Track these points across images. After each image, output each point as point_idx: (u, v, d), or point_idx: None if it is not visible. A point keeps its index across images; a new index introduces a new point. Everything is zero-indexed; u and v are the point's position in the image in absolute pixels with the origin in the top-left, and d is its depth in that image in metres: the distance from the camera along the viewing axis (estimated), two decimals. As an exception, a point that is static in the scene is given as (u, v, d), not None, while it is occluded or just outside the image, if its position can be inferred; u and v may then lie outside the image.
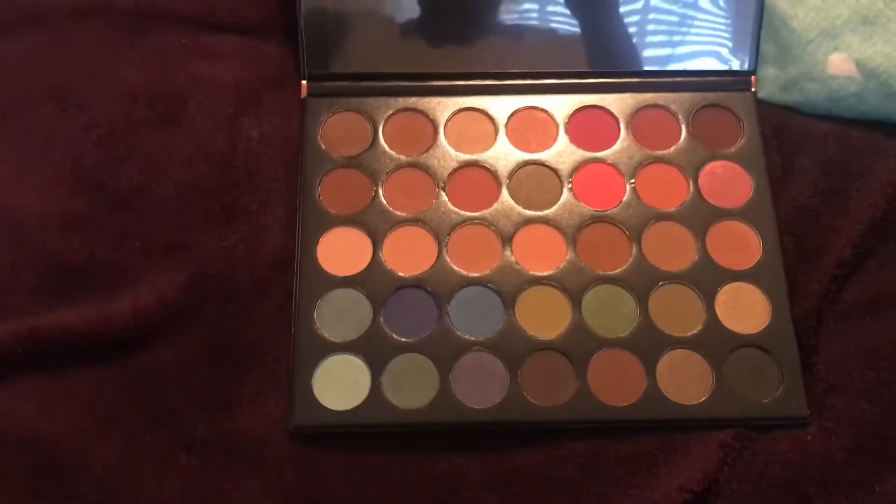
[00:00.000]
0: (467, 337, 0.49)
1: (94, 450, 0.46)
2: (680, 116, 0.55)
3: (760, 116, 0.55)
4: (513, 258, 0.51)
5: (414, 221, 0.52)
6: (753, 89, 0.55)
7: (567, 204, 0.53)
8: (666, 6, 0.54)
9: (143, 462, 0.46)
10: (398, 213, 0.52)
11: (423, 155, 0.54)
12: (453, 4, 0.54)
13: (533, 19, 0.54)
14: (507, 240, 0.52)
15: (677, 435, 0.48)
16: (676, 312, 0.50)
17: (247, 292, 0.50)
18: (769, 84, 0.56)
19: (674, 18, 0.55)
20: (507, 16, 0.54)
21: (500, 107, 0.55)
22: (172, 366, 0.48)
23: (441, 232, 0.52)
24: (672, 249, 0.52)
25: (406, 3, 0.54)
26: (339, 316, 0.50)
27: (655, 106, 0.55)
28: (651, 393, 0.48)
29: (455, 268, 0.51)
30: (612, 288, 0.51)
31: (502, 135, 0.54)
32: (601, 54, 0.55)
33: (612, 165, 0.54)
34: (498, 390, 0.48)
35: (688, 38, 0.55)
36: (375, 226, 0.52)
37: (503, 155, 0.54)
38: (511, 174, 0.53)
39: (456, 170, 0.53)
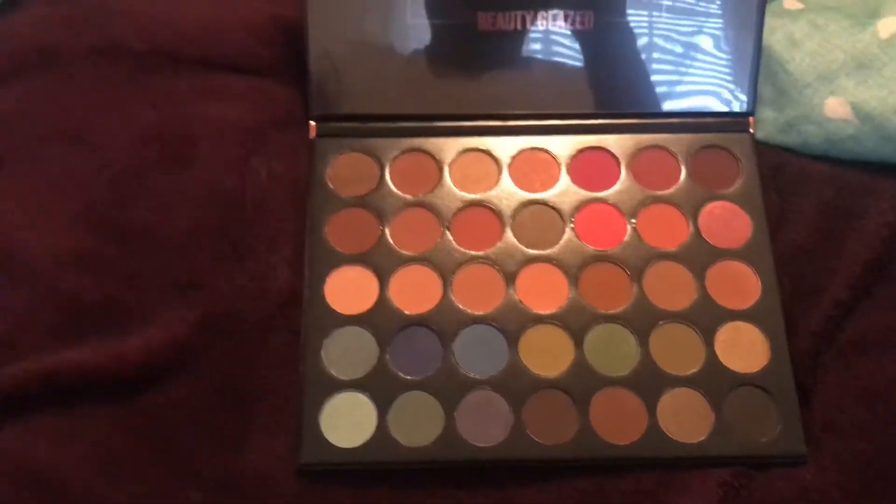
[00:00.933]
0: (472, 375, 0.50)
1: (104, 487, 0.47)
2: (679, 157, 0.56)
3: (759, 157, 0.56)
4: (516, 297, 0.52)
5: (420, 260, 0.53)
6: (752, 130, 0.56)
7: (569, 243, 0.54)
8: (666, 48, 0.56)
9: (152, 499, 0.47)
10: (404, 252, 0.53)
11: (429, 195, 0.55)
12: (457, 47, 0.55)
13: (536, 61, 0.56)
14: (510, 279, 0.53)
15: (677, 472, 0.48)
16: (677, 351, 0.51)
17: (256, 331, 0.51)
18: (768, 126, 0.57)
19: (673, 60, 0.56)
20: (511, 58, 0.56)
21: (504, 147, 0.56)
22: (183, 404, 0.49)
23: (446, 271, 0.53)
24: (672, 289, 0.53)
25: (411, 45, 0.55)
26: (345, 354, 0.51)
27: (655, 147, 0.56)
28: (652, 431, 0.49)
29: (460, 306, 0.52)
30: (614, 327, 0.52)
31: (506, 175, 0.56)
32: (602, 96, 0.56)
33: (614, 205, 0.55)
34: (502, 428, 0.49)
35: (687, 79, 0.56)
36: (382, 265, 0.53)
37: (507, 195, 0.55)
38: (514, 214, 0.55)
39: (460, 209, 0.55)
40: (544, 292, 0.53)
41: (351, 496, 0.48)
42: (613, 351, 0.51)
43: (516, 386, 0.50)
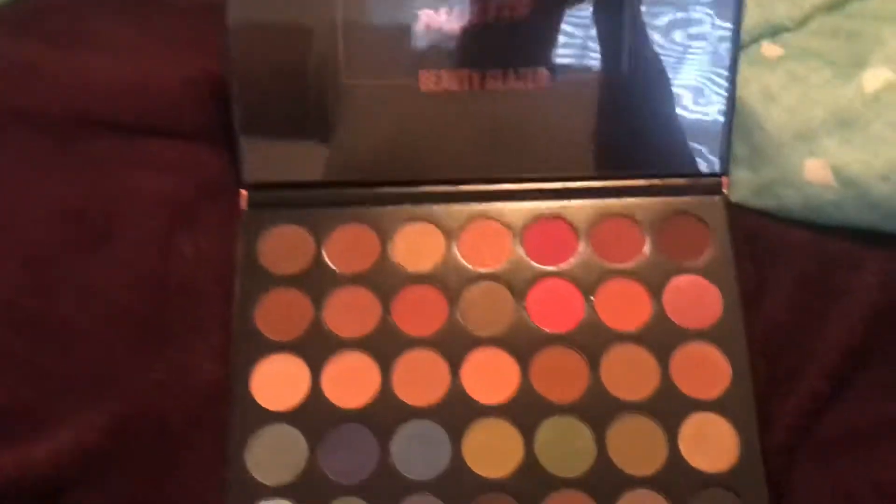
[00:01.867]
0: (410, 478, 0.46)
1: None
2: (644, 225, 0.51)
3: (732, 223, 0.50)
4: (462, 386, 0.48)
5: (357, 346, 0.49)
6: (725, 192, 0.51)
7: (520, 324, 0.49)
8: (628, 105, 0.50)
9: None
10: (340, 336, 0.49)
11: (369, 271, 0.50)
12: (398, 109, 0.51)
13: (485, 123, 0.51)
14: (455, 365, 0.48)
15: (636, 586, 0.44)
16: (636, 448, 0.46)
17: (177, 430, 0.47)
18: (742, 188, 0.51)
19: (637, 118, 0.51)
20: (457, 120, 0.51)
21: (452, 216, 0.51)
22: (94, 516, 0.45)
23: (385, 357, 0.48)
24: (633, 376, 0.48)
25: (348, 107, 0.51)
26: (273, 455, 0.47)
27: (617, 215, 0.51)
28: (607, 541, 0.45)
29: (400, 398, 0.47)
30: (568, 420, 0.47)
31: (454, 248, 0.51)
32: (559, 158, 0.51)
33: (570, 281, 0.50)
34: (442, 539, 0.45)
35: (652, 138, 0.51)
36: (314, 352, 0.48)
37: (454, 270, 0.50)
38: (462, 291, 0.50)
39: (403, 287, 0.50)
40: (492, 381, 0.48)
41: None
42: (567, 448, 0.47)
43: (459, 490, 0.46)
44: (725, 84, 0.50)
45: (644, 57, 0.50)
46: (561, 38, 0.50)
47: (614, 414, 0.47)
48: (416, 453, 0.46)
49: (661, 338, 0.48)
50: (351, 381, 0.48)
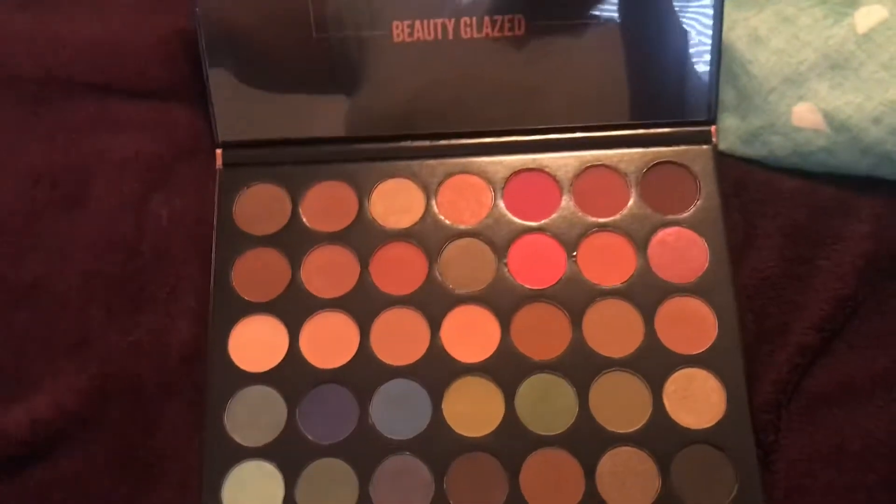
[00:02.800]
0: (390, 437, 0.45)
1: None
2: (629, 177, 0.49)
3: (720, 172, 0.49)
4: (442, 345, 0.47)
5: (335, 306, 0.48)
6: (714, 141, 0.49)
7: (501, 281, 0.48)
8: (610, 51, 0.49)
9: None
10: (318, 296, 0.48)
11: (346, 229, 0.49)
12: (372, 61, 0.49)
13: (461, 73, 0.49)
14: (435, 324, 0.47)
15: (619, 544, 0.43)
16: (620, 405, 0.45)
17: (154, 391, 0.47)
18: (730, 135, 0.50)
19: (619, 65, 0.49)
20: (432, 71, 0.49)
21: (430, 172, 0.50)
22: (74, 479, 0.45)
23: (364, 317, 0.48)
24: (616, 332, 0.47)
25: (320, 62, 0.49)
26: (251, 417, 0.46)
27: (601, 166, 0.49)
28: (589, 500, 0.44)
29: (379, 358, 0.47)
30: (549, 377, 0.46)
31: (433, 204, 0.50)
32: (539, 109, 0.49)
33: (552, 236, 0.48)
34: (421, 499, 0.44)
35: (636, 86, 0.49)
36: (292, 313, 0.48)
37: (433, 227, 0.49)
38: (441, 249, 0.49)
39: (381, 246, 0.49)
40: (473, 339, 0.47)
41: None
42: (548, 406, 0.46)
43: (439, 449, 0.45)
44: (712, 27, 0.48)
45: (625, 1, 0.48)
46: (539, -16, 0.48)
47: (597, 371, 0.46)
48: (396, 413, 0.46)
49: (646, 292, 0.47)
50: (329, 342, 0.47)
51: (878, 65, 0.45)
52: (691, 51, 0.48)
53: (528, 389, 0.46)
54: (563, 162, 0.50)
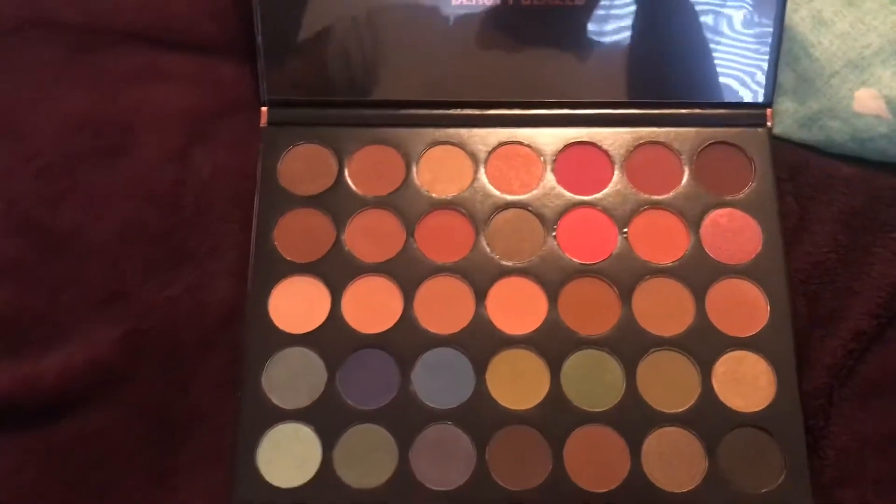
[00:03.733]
0: (432, 407, 0.44)
1: (17, 525, 0.43)
2: (683, 155, 0.48)
3: (775, 156, 0.48)
4: (487, 316, 0.46)
5: (378, 271, 0.47)
6: (769, 124, 0.49)
7: (550, 254, 0.47)
8: (668, 27, 0.48)
9: (69, 538, 0.42)
10: (361, 260, 0.47)
11: (392, 195, 0.48)
12: (428, 26, 0.48)
13: (517, 42, 0.48)
14: (480, 294, 0.46)
15: (663, 526, 0.43)
16: (668, 384, 0.45)
17: (190, 349, 0.46)
18: (787, 119, 0.49)
19: (677, 41, 0.48)
20: (488, 38, 0.48)
21: (481, 141, 0.49)
22: (104, 433, 0.44)
23: (408, 284, 0.47)
24: (666, 310, 0.46)
25: (378, 23, 0.48)
26: (290, 379, 0.45)
27: (655, 143, 0.49)
28: (634, 478, 0.43)
29: (422, 326, 0.46)
30: (596, 353, 0.45)
31: (481, 173, 0.49)
32: (594, 82, 0.49)
33: (603, 211, 0.48)
34: (462, 470, 0.43)
35: (694, 64, 0.48)
36: (335, 275, 0.47)
37: (481, 197, 0.48)
38: (489, 219, 0.48)
39: (427, 213, 0.48)
40: (519, 311, 0.46)
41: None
42: (595, 382, 0.45)
43: (481, 420, 0.44)
44: (774, 8, 0.47)
45: (689, -23, 0.47)
46: (603, -46, 0.47)
47: (646, 349, 0.45)
48: (438, 382, 0.45)
49: (698, 272, 0.46)
50: (372, 306, 0.46)
51: (944, 53, 0.45)
52: (752, 32, 0.48)
53: (575, 364, 0.45)
54: (616, 137, 0.49)
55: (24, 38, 0.51)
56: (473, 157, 0.49)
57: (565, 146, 0.49)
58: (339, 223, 0.48)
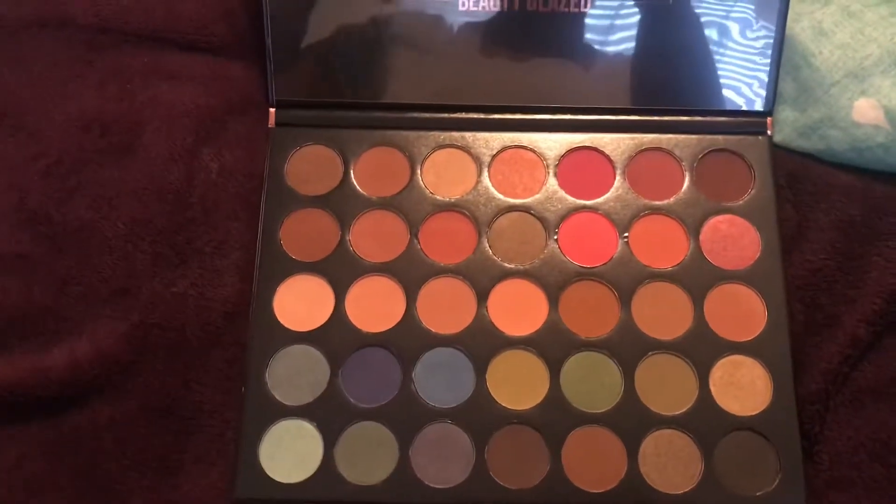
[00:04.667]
0: (432, 405, 0.45)
1: (20, 515, 0.43)
2: (684, 162, 0.49)
3: (775, 164, 0.49)
4: (488, 317, 0.46)
5: (382, 270, 0.47)
6: (769, 132, 0.49)
7: (551, 258, 0.48)
8: (672, 35, 0.49)
9: (73, 530, 0.43)
10: (366, 259, 0.48)
11: (397, 196, 0.49)
12: (436, 32, 0.49)
13: (523, 47, 0.49)
14: (482, 295, 0.47)
15: (658, 526, 0.43)
16: (665, 387, 0.45)
17: (195, 344, 0.46)
18: (786, 128, 0.50)
19: (681, 49, 0.49)
20: (495, 43, 0.49)
21: (485, 144, 0.50)
22: (110, 426, 0.44)
23: (411, 284, 0.47)
24: (665, 314, 0.46)
25: (386, 27, 0.49)
26: (293, 376, 0.46)
27: (657, 149, 0.49)
28: (631, 478, 0.44)
29: (424, 325, 0.46)
30: (596, 356, 0.46)
31: (485, 176, 0.49)
32: (598, 88, 0.49)
33: (605, 215, 0.48)
34: (462, 468, 0.44)
35: (696, 72, 0.49)
36: (339, 275, 0.47)
37: (485, 199, 0.49)
38: (492, 222, 0.48)
39: (431, 214, 0.49)
40: (520, 312, 0.47)
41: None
42: (593, 383, 0.45)
43: (481, 419, 0.45)
44: (775, 18, 0.48)
45: (693, -14, 0.48)
46: (608, -38, 0.48)
47: (644, 352, 0.46)
48: (439, 381, 0.45)
49: (697, 277, 0.47)
50: (375, 306, 0.47)
51: (942, 65, 0.46)
52: (753, 41, 0.48)
53: (574, 366, 0.46)
54: (618, 143, 0.49)
55: (35, 37, 0.52)
56: (477, 160, 0.50)
57: (568, 151, 0.50)
58: (345, 223, 0.48)
